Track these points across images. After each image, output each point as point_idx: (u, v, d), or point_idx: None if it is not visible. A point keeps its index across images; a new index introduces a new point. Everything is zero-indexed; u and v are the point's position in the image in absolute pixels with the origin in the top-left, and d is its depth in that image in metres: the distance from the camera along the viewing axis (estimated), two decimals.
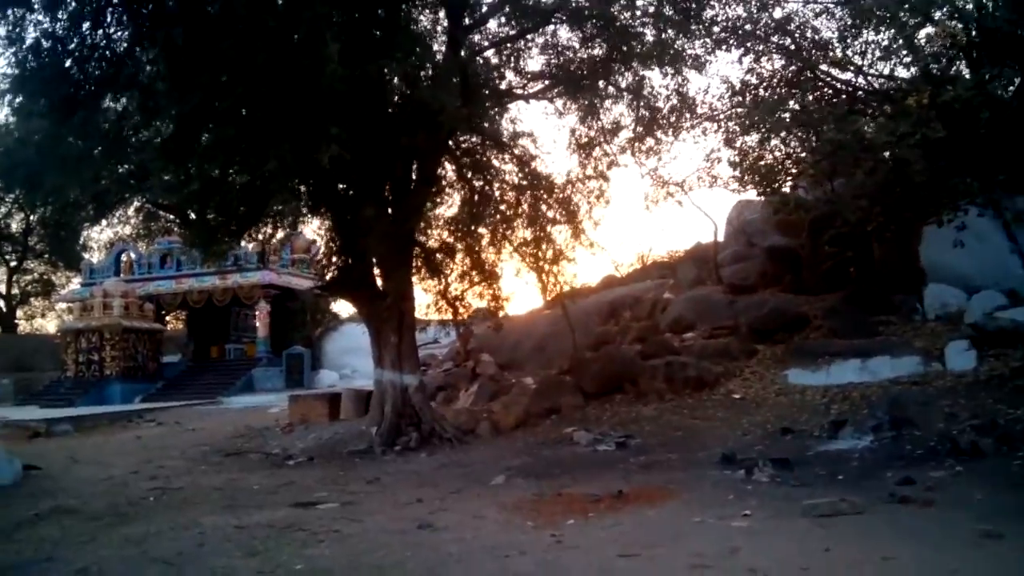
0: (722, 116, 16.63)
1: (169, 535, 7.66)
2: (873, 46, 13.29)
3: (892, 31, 9.67)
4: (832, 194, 15.35)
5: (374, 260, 14.28)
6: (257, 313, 30.86)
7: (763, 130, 13.11)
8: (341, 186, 12.74)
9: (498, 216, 14.21)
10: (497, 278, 15.28)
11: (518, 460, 11.43)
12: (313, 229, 16.03)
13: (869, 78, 14.05)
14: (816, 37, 14.58)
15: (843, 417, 10.58)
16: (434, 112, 10.33)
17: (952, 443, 8.49)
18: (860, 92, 14.06)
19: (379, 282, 14.67)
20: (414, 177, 12.89)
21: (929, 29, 9.33)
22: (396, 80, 11.63)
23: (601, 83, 14.30)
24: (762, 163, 13.61)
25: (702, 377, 14.31)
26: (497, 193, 14.38)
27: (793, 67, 15.71)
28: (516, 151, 14.44)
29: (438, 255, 14.81)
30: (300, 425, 17.23)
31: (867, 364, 13.04)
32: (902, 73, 15.14)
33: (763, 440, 10.60)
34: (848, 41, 13.41)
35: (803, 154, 13.60)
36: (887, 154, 10.39)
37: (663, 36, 11.14)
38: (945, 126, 9.26)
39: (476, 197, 14.27)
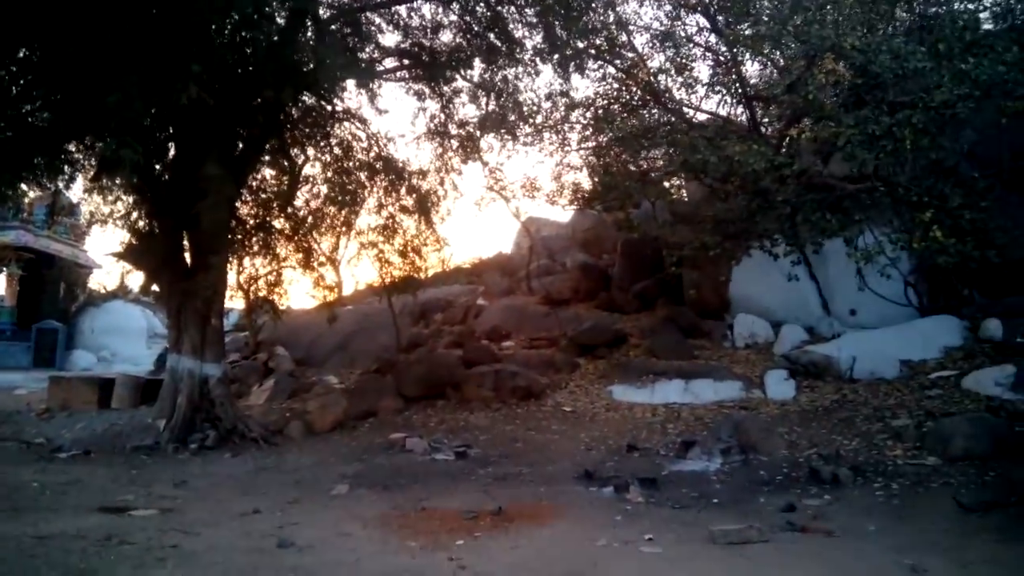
0: (565, 127, 16.62)
1: None
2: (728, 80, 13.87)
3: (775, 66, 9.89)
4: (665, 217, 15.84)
5: (183, 230, 12.51)
6: (3, 279, 26.48)
7: (618, 143, 13.12)
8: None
9: (346, 197, 12.95)
10: (336, 264, 13.99)
11: (349, 467, 10.37)
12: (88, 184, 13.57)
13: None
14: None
15: (687, 438, 10.60)
16: (306, 67, 9.10)
17: (812, 471, 8.66)
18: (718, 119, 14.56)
19: (187, 256, 12.93)
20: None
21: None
22: (282, 18, 10.11)
23: (456, 73, 13.59)
24: (618, 179, 13.54)
25: (530, 387, 13.97)
26: (343, 174, 13.08)
27: (637, 89, 16.04)
28: (371, 129, 13.37)
29: (258, 232, 13.20)
30: (60, 412, 14.77)
31: (690, 385, 13.35)
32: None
33: (611, 456, 10.36)
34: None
35: (653, 173, 13.67)
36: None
37: (553, 32, 10.64)
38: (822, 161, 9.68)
39: (332, 175, 12.93)
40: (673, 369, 13.86)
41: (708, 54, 16.80)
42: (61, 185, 13.35)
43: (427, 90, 13.32)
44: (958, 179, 12.24)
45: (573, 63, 11.88)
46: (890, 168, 11.48)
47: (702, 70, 17.40)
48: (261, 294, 14.94)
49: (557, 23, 10.71)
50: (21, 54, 9.56)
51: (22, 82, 10.06)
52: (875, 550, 6.09)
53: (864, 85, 10.12)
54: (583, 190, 18.92)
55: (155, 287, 13.18)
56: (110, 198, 15.66)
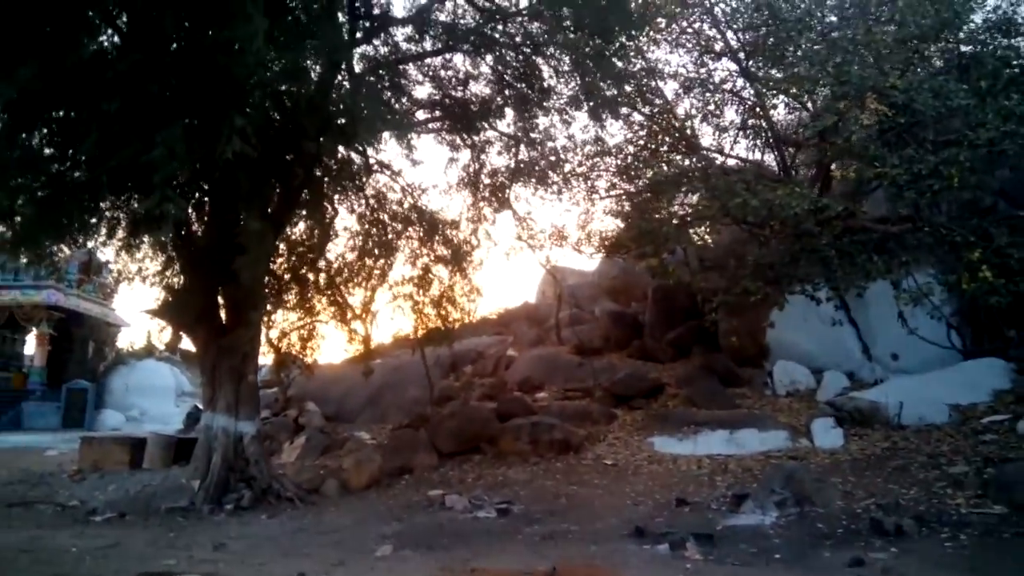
0: (594, 174, 16.60)
1: None
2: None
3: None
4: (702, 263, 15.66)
5: (219, 286, 12.44)
6: (34, 339, 26.57)
7: (652, 188, 13.02)
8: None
9: (381, 249, 12.86)
10: (371, 316, 13.85)
11: (389, 527, 10.08)
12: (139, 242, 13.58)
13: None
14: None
15: (738, 491, 10.24)
16: (344, 120, 9.08)
17: (873, 523, 8.30)
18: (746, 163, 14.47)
19: (222, 312, 12.86)
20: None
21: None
22: (316, 72, 10.15)
23: (488, 123, 13.59)
24: (654, 224, 13.37)
25: (568, 440, 13.67)
26: (377, 225, 13.02)
27: (666, 136, 16.03)
28: (406, 180, 13.36)
29: (291, 286, 13.09)
30: (92, 472, 14.62)
31: (734, 436, 13.01)
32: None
33: (659, 511, 10.01)
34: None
35: (688, 218, 13.50)
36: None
37: (586, 80, 10.61)
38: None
39: (367, 227, 12.88)
40: (715, 419, 13.52)
41: (736, 99, 16.84)
42: (96, 243, 13.33)
43: (460, 140, 13.31)
44: (998, 217, 12.05)
45: (607, 109, 11.83)
46: (927, 208, 11.28)
47: (730, 115, 17.29)
48: (293, 349, 14.75)
49: (593, 71, 10.66)
50: (60, 112, 9.63)
51: (58, 139, 10.12)
52: None
53: (906, 124, 9.94)
54: (611, 237, 18.86)
55: (186, 344, 13.07)
56: (138, 256, 15.77)
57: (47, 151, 11.13)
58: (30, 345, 30.76)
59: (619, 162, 16.82)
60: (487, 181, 13.53)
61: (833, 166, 12.45)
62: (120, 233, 12.57)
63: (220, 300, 12.79)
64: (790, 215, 10.40)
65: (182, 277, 12.65)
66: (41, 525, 10.45)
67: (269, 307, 13.74)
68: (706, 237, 16.77)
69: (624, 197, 17.86)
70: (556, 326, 21.70)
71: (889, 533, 8.04)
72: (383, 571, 7.70)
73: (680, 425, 13.69)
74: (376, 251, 12.96)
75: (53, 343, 26.05)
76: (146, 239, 13.00)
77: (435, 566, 7.77)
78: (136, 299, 75.42)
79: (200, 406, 21.92)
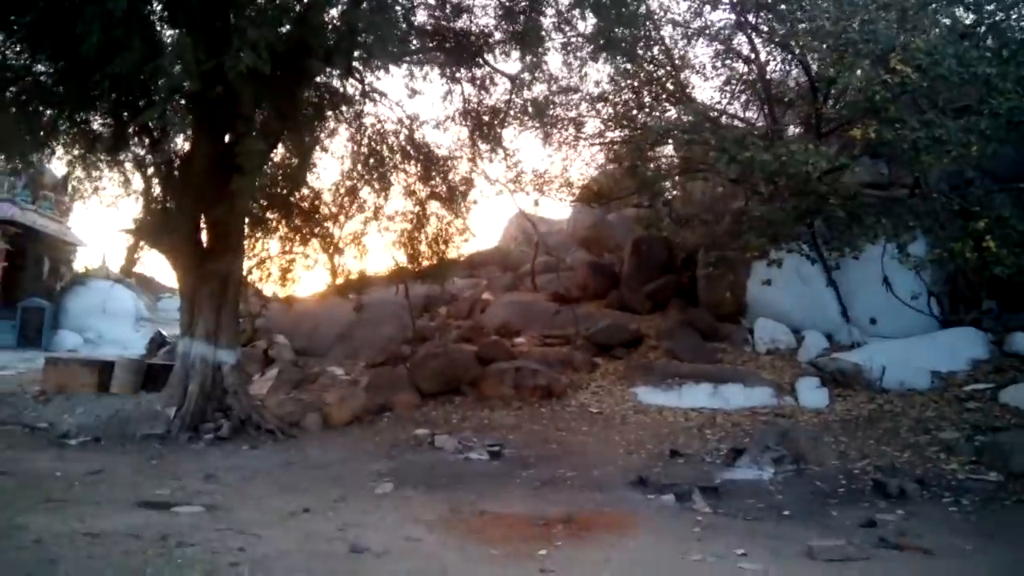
0: (582, 118, 16.27)
1: None
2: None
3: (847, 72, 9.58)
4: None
5: (205, 208, 11.89)
6: None
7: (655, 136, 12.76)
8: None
9: (377, 181, 12.39)
10: (362, 249, 13.44)
11: (380, 464, 9.89)
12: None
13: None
14: None
15: (735, 445, 10.27)
16: (355, 40, 8.58)
17: (876, 484, 8.39)
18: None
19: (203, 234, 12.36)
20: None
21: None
22: None
23: (484, 58, 13.11)
24: (648, 173, 13.12)
25: (551, 386, 13.57)
26: (374, 155, 12.49)
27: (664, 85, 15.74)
28: (404, 111, 12.84)
29: (277, 213, 12.57)
30: (57, 394, 13.98)
31: (719, 390, 13.04)
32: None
33: (654, 462, 9.99)
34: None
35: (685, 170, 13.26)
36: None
37: (605, 15, 10.20)
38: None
39: (363, 157, 12.36)
40: (700, 373, 13.53)
41: (731, 53, 16.57)
42: (72, 155, 12.56)
43: (458, 73, 12.79)
44: (996, 188, 12.12)
45: (618, 51, 11.46)
46: (939, 174, 11.27)
47: (724, 69, 16.97)
48: (271, 279, 14.29)
49: (608, 8, 10.25)
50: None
51: (40, 40, 9.42)
52: (983, 573, 5.79)
53: (926, 88, 9.82)
54: (595, 185, 18.61)
55: (143, 268, 12.54)
56: (110, 173, 14.99)
57: (23, 53, 10.45)
58: None
59: (612, 109, 16.47)
60: (485, 118, 13.04)
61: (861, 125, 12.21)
62: (99, 146, 11.85)
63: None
64: (802, 172, 10.25)
65: (164, 196, 12.03)
66: (13, 446, 10.00)
67: (253, 234, 13.26)
68: (695, 190, 16.61)
69: (614, 145, 17.59)
70: (532, 273, 21.48)
71: (892, 495, 8.11)
72: (389, 509, 7.52)
73: (664, 377, 13.67)
74: (372, 183, 12.49)
75: (7, 259, 24.91)
76: (129, 154, 12.34)
77: (442, 507, 7.62)
78: (93, 219, 72.42)
79: (163, 332, 21.39)
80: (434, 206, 13.43)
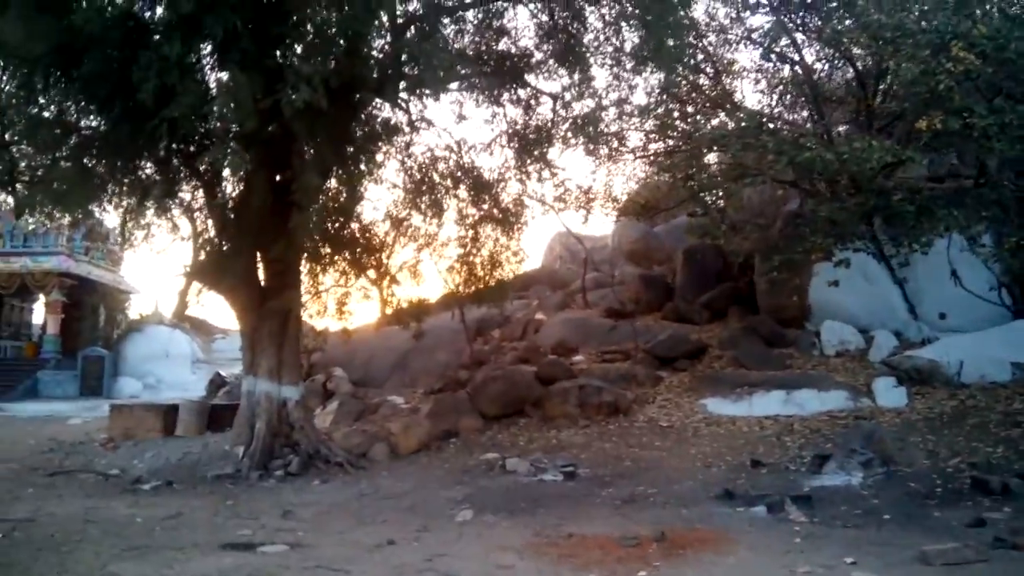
0: (625, 131, 16.15)
1: None
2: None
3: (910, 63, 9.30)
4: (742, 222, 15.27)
5: (261, 246, 11.96)
6: (43, 307, 25.88)
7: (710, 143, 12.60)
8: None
9: (431, 208, 12.37)
10: (418, 277, 13.42)
11: (453, 491, 9.74)
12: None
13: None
14: None
15: (819, 451, 9.96)
16: (405, 69, 8.57)
17: (976, 482, 8.03)
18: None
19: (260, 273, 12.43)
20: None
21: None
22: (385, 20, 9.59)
23: (526, 79, 13.04)
24: (715, 180, 12.93)
25: (616, 403, 13.34)
26: (426, 182, 12.47)
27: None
28: (452, 138, 12.84)
29: (333, 246, 12.56)
30: (125, 440, 14.14)
31: (792, 396, 12.71)
32: None
33: (735, 474, 9.70)
34: None
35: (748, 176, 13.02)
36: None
37: (651, 26, 10.08)
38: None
39: (415, 185, 12.38)
40: (770, 380, 13.22)
41: (773, 55, 16.37)
42: (124, 205, 12.77)
43: (506, 95, 12.76)
44: None
45: (668, 60, 11.32)
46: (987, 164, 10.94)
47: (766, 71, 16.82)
48: (329, 313, 14.32)
49: (655, 19, 10.13)
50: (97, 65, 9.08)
51: (97, 93, 9.56)
52: None
53: (992, 74, 9.52)
54: (641, 198, 18.46)
55: (194, 311, 12.62)
56: (144, 221, 15.16)
57: (78, 106, 10.61)
58: (38, 314, 30.14)
59: (657, 120, 16.31)
60: (532, 137, 12.95)
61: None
62: (153, 194, 11.99)
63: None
64: (865, 169, 9.99)
65: (219, 238, 12.12)
66: (90, 495, 10.04)
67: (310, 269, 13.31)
68: (746, 196, 16.34)
69: (658, 156, 17.45)
70: (582, 290, 21.30)
71: (995, 492, 7.76)
72: (472, 537, 7.36)
73: (732, 386, 13.38)
74: (425, 210, 12.46)
75: (64, 310, 25.45)
76: (179, 200, 12.50)
77: (527, 531, 7.44)
78: (143, 266, 74.14)
79: (222, 372, 21.59)
80: (487, 229, 13.34)
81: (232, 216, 11.48)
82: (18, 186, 10.61)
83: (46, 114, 10.00)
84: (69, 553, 6.49)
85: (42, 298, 27.16)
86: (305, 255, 11.65)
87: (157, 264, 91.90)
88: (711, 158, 16.35)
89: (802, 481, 9.13)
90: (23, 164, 11.74)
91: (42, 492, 10.06)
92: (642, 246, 24.42)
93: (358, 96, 9.34)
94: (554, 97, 13.39)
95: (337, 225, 12.61)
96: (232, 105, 7.07)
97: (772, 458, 10.25)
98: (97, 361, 24.23)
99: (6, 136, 11.19)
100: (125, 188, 11.58)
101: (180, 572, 5.88)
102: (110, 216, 18.21)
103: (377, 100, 11.40)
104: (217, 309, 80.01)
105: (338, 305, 13.86)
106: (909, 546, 6.16)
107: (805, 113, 17.79)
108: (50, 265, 24.49)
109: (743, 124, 12.83)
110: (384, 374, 18.85)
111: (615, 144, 16.93)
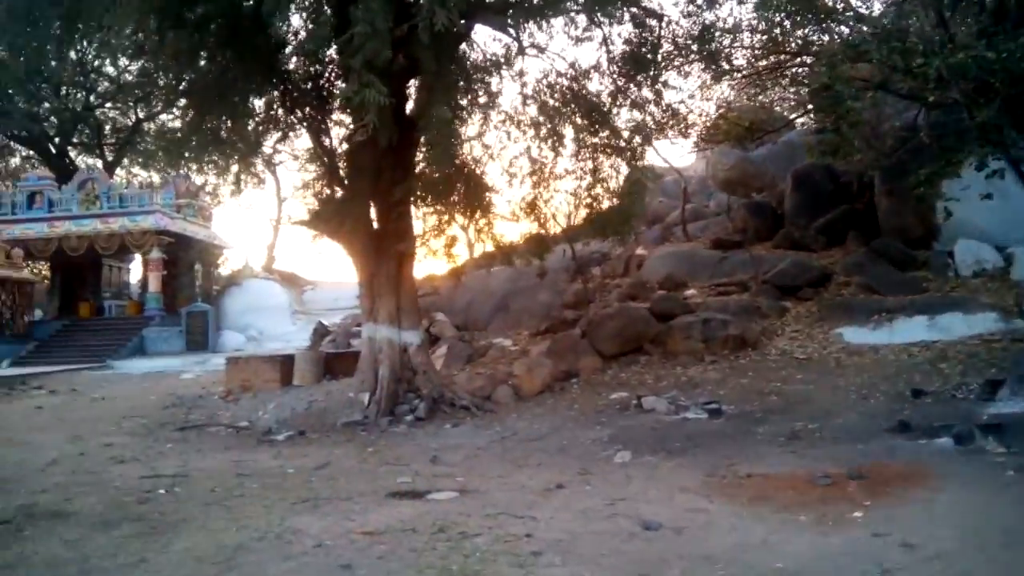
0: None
1: (270, 551, 5.12)
2: None
3: None
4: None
5: (375, 190, 11.61)
6: (145, 265, 26.32)
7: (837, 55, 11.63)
8: None
9: (550, 139, 11.80)
10: (539, 212, 12.95)
11: (598, 432, 9.40)
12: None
13: None
14: None
15: (991, 377, 9.26)
16: None
17: None
18: None
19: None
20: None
21: None
22: None
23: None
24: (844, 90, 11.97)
25: (743, 336, 12.76)
26: (544, 112, 11.86)
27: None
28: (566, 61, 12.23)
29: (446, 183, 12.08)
30: (243, 392, 14.24)
31: (936, 321, 11.95)
32: None
33: (899, 404, 9.09)
34: None
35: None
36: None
37: None
38: None
39: (531, 116, 11.82)
40: (909, 305, 12.45)
41: None
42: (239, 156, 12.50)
43: (615, 15, 11.97)
44: None
45: None
46: None
47: None
48: (437, 255, 13.97)
49: None
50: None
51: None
52: None
53: None
54: (749, 120, 17.50)
55: (280, 264, 12.40)
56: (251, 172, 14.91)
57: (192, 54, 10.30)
58: (134, 274, 30.79)
59: (764, 36, 15.26)
60: (647, 58, 12.16)
61: None
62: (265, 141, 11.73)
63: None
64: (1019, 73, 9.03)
65: (331, 185, 11.83)
66: (229, 447, 10.03)
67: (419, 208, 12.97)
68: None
69: (762, 74, 16.45)
70: (683, 221, 20.57)
71: None
72: (643, 479, 6.98)
73: (868, 314, 12.66)
74: (545, 137, 11.85)
75: (164, 268, 25.86)
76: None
77: (698, 473, 7.04)
78: (230, 222, 75.45)
79: (324, 322, 21.68)
80: (605, 159, 12.71)
81: (352, 158, 11.10)
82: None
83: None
84: (238, 507, 6.33)
85: (138, 257, 27.58)
86: (422, 196, 11.21)
87: (245, 219, 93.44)
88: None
89: (977, 409, 8.48)
90: (108, 128, 11.62)
91: (180, 447, 10.08)
92: (738, 173, 23.30)
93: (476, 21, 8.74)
94: (658, 17, 12.61)
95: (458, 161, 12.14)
96: (370, 33, 6.59)
97: (933, 386, 9.59)
98: (200, 316, 24.59)
99: (91, 99, 11.05)
100: (236, 139, 11.31)
101: (363, 524, 5.64)
102: (211, 171, 18.21)
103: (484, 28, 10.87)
104: (306, 262, 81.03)
105: (447, 246, 13.45)
106: None
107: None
108: (147, 224, 24.80)
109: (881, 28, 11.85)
110: (485, 317, 18.57)
111: (723, 64, 15.96)
